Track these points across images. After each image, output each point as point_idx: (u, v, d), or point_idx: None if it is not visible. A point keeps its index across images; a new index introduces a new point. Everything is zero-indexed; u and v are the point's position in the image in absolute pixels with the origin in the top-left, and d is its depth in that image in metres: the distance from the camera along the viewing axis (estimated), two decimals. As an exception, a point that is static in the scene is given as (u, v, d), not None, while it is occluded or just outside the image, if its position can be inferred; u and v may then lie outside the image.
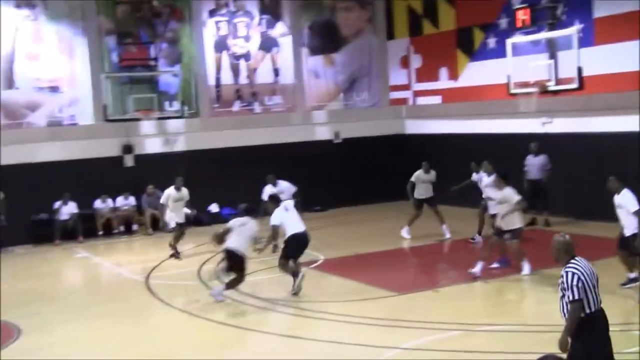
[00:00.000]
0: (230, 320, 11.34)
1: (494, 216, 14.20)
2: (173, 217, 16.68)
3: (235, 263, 12.43)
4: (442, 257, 16.03)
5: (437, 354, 9.27)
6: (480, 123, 20.97)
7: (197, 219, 21.05)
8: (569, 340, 6.73)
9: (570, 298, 6.66)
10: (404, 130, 24.27)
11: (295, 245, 12.78)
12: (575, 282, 6.65)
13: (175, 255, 16.46)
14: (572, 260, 6.79)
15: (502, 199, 13.20)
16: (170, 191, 16.72)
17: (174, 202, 16.67)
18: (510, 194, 13.09)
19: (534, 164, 17.65)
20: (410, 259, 15.88)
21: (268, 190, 16.77)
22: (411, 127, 24.11)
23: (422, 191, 16.87)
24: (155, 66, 21.16)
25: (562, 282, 6.76)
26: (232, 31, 22.40)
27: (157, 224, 19.00)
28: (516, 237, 13.09)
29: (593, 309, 6.71)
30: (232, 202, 21.72)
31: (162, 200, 16.92)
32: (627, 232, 11.50)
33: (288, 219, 12.84)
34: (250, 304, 12.27)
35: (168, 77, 21.37)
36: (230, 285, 12.50)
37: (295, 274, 12.63)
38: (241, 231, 12.46)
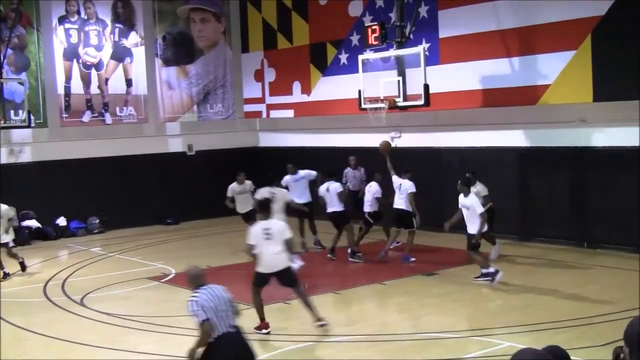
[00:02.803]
0: (79, 338, 11.02)
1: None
2: None
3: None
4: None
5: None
6: (332, 137, 21.44)
7: (44, 233, 20.38)
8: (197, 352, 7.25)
9: (196, 321, 7.20)
10: (257, 143, 24.43)
11: None
12: (194, 308, 7.27)
13: (5, 274, 15.55)
14: (197, 289, 7.40)
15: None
16: None
17: None
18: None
19: (354, 176, 18.22)
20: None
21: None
22: (265, 139, 24.30)
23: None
24: (-1, 73, 20.28)
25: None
26: (83, 39, 21.83)
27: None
28: None
29: (220, 332, 7.20)
30: (80, 215, 21.21)
31: None
32: (471, 230, 12.65)
33: None
34: (100, 320, 12.00)
35: (14, 85, 20.53)
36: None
37: None
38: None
